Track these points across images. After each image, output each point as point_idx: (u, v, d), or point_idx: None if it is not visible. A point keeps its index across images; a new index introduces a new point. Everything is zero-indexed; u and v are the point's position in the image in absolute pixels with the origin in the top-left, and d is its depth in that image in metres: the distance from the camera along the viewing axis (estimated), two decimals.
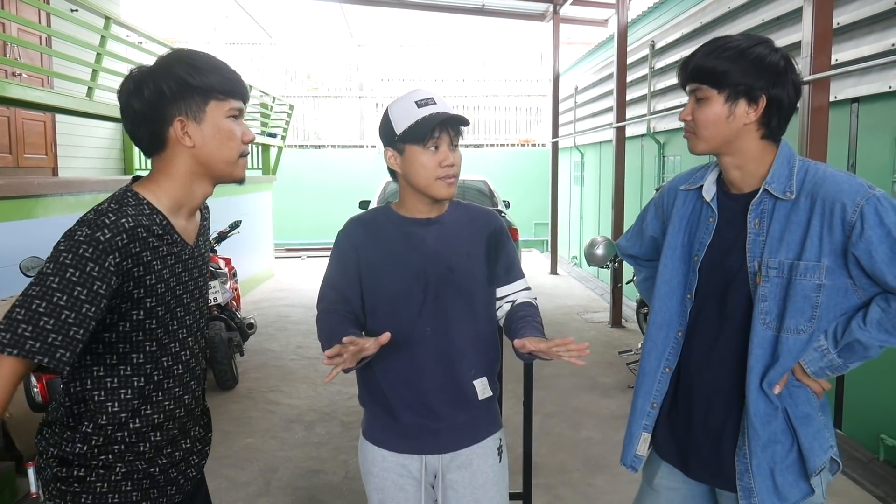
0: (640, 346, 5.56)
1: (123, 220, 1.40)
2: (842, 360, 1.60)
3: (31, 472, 2.80)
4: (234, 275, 6.28)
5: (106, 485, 1.51)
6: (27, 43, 5.55)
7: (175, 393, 1.58)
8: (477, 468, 1.90)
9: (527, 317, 1.87)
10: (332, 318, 1.82)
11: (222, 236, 5.78)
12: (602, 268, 5.93)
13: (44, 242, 4.20)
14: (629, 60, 8.34)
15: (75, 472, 1.50)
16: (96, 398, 1.48)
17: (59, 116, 7.71)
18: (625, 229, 8.15)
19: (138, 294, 1.44)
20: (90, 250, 1.35)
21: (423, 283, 1.83)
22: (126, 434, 1.51)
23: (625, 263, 6.71)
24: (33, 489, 2.79)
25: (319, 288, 1.92)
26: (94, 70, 5.57)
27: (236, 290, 6.28)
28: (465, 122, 1.81)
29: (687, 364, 1.77)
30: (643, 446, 1.85)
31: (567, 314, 8.19)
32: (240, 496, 3.65)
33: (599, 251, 5.40)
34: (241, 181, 1.59)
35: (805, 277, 1.58)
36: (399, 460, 1.89)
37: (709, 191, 1.75)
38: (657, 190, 5.52)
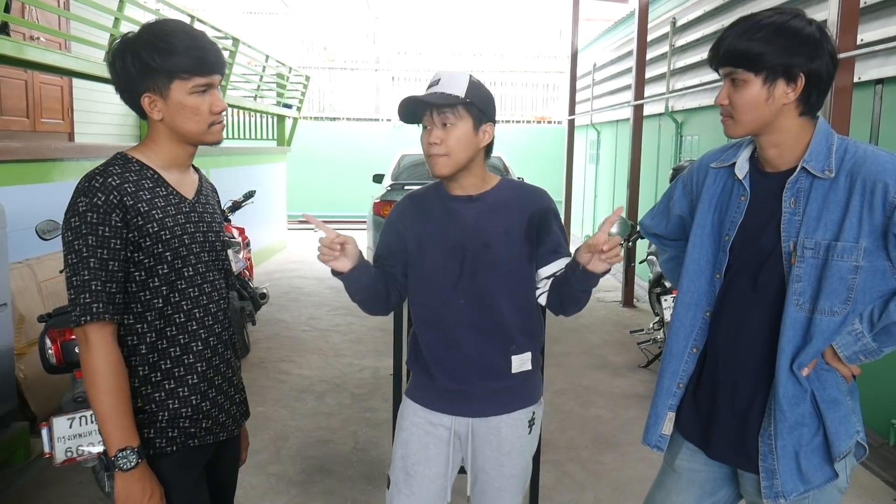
0: (651, 325, 5.56)
1: (109, 180, 1.56)
2: (876, 343, 1.56)
3: (44, 433, 2.82)
4: (248, 244, 6.29)
5: (152, 430, 1.63)
6: (46, 5, 5.53)
7: (200, 335, 1.70)
8: (504, 437, 1.96)
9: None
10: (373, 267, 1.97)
11: (236, 206, 5.78)
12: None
13: (59, 206, 4.21)
14: (649, 38, 8.22)
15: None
16: (129, 343, 1.61)
17: (75, 81, 7.71)
18: (639, 209, 8.12)
19: (144, 242, 1.58)
20: (94, 216, 1.52)
21: (461, 258, 1.90)
22: (159, 376, 1.64)
23: (638, 243, 6.68)
24: (47, 449, 2.82)
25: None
26: (111, 35, 5.55)
27: (249, 259, 6.29)
28: (435, 104, 1.82)
29: (714, 344, 1.75)
30: (668, 426, 1.84)
31: None
32: (250, 463, 3.69)
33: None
34: (216, 144, 1.73)
35: (842, 259, 1.54)
36: (430, 417, 1.99)
37: (741, 168, 1.71)
38: (673, 169, 5.48)
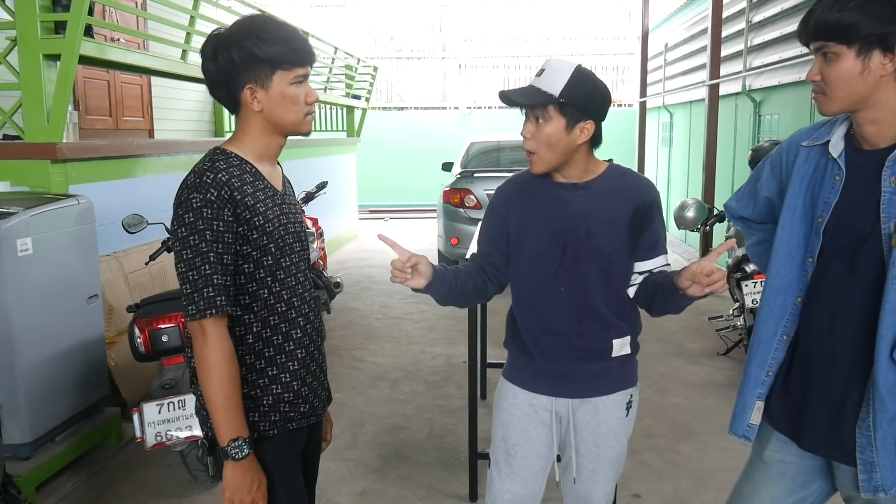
0: (731, 311, 5.40)
1: (220, 175, 1.59)
2: None
3: (135, 418, 2.95)
4: (321, 235, 6.40)
5: (256, 414, 1.68)
6: (125, 6, 5.73)
7: (299, 323, 1.74)
8: (602, 418, 1.98)
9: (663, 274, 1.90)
10: (460, 269, 2.00)
11: (310, 197, 5.87)
12: (692, 231, 5.74)
13: (143, 200, 4.40)
14: (724, 14, 7.95)
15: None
16: (237, 334, 1.65)
17: (153, 80, 7.97)
18: (716, 191, 7.87)
19: (251, 236, 1.62)
20: (209, 211, 1.56)
21: (562, 245, 1.90)
22: (263, 363, 1.69)
23: (716, 227, 6.48)
24: (138, 434, 2.95)
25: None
26: (187, 33, 5.71)
27: (323, 249, 6.40)
28: (516, 103, 1.86)
29: (806, 331, 1.68)
30: (757, 415, 1.77)
31: None
32: (328, 448, 3.75)
33: (690, 214, 5.21)
34: (307, 134, 1.76)
35: None
36: (529, 399, 2.02)
37: (836, 146, 1.62)
38: (753, 150, 5.29)
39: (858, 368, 1.59)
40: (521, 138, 1.88)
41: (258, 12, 7.10)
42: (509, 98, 1.85)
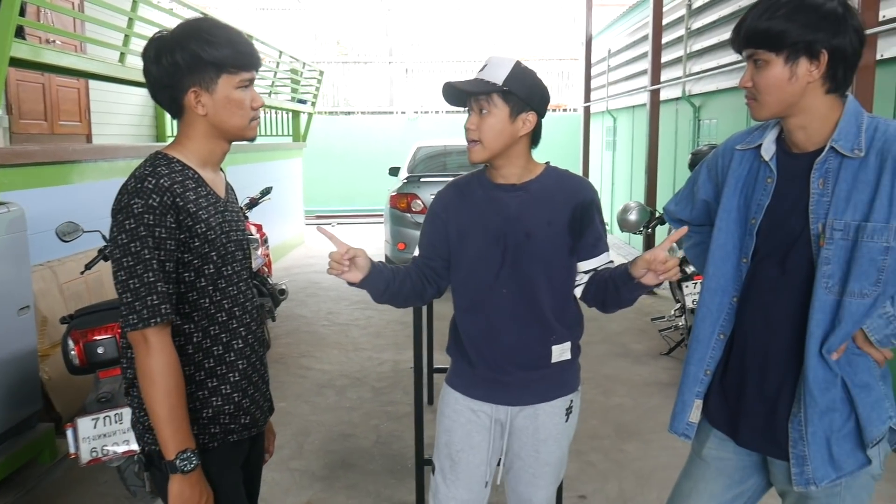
0: (672, 312, 5.51)
1: (162, 181, 1.55)
2: None
3: (69, 434, 2.85)
4: (266, 241, 6.30)
5: (195, 427, 1.62)
6: (60, 8, 5.56)
7: (241, 333, 1.72)
8: (541, 423, 1.99)
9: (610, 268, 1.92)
10: (399, 269, 1.98)
11: (253, 203, 5.78)
12: (635, 234, 5.84)
13: (79, 208, 4.26)
14: (665, 21, 8.13)
15: None
16: (177, 343, 1.60)
17: (92, 83, 7.76)
18: (658, 194, 8.03)
19: (193, 243, 1.59)
20: (151, 217, 1.51)
21: (503, 248, 1.90)
22: (203, 375, 1.65)
23: (658, 229, 6.61)
24: (72, 450, 2.85)
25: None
26: (126, 35, 5.57)
27: (268, 256, 6.30)
28: (460, 94, 1.87)
29: (742, 330, 1.72)
30: (696, 414, 1.81)
31: None
32: (273, 459, 3.69)
33: (633, 217, 5.31)
34: (252, 139, 1.74)
35: (872, 239, 1.51)
36: (470, 405, 2.02)
37: (768, 150, 1.68)
38: (692, 154, 5.41)
39: (791, 366, 1.64)
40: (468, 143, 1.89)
41: (200, 15, 6.99)
42: (454, 89, 1.85)
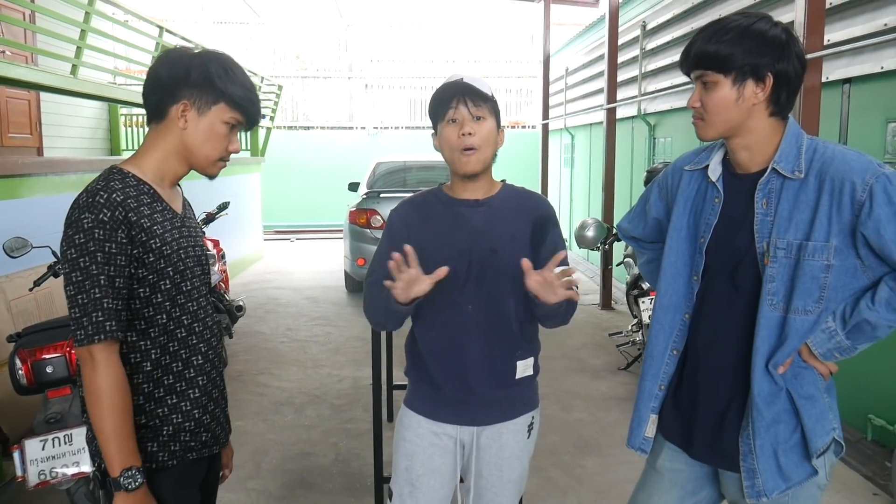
0: (630, 327, 5.58)
1: (114, 195, 1.53)
2: (850, 341, 1.59)
3: (16, 456, 2.76)
4: (223, 257, 6.22)
5: (155, 444, 1.62)
6: (11, 19, 5.44)
7: (200, 349, 1.70)
8: (505, 441, 1.97)
9: None
10: (382, 289, 1.82)
11: (210, 218, 5.70)
12: (592, 250, 5.92)
13: (28, 223, 4.15)
14: (620, 41, 8.28)
15: None
16: (132, 360, 1.59)
17: (43, 95, 7.60)
18: (615, 211, 8.14)
19: (147, 259, 1.57)
20: (101, 232, 1.49)
21: (467, 263, 1.89)
22: (162, 392, 1.63)
23: (615, 245, 6.71)
24: (20, 472, 2.76)
25: (370, 262, 1.99)
26: (78, 47, 5.47)
27: (225, 272, 6.22)
28: (481, 93, 1.84)
29: (694, 345, 1.76)
30: (651, 428, 1.84)
31: None
32: (230, 479, 3.61)
33: (590, 233, 5.37)
34: (211, 177, 1.74)
35: (813, 258, 1.57)
36: (433, 428, 1.98)
37: (714, 171, 1.73)
38: (647, 171, 5.51)
39: (740, 381, 1.69)
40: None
41: (156, 28, 6.90)
42: (453, 91, 1.82)
